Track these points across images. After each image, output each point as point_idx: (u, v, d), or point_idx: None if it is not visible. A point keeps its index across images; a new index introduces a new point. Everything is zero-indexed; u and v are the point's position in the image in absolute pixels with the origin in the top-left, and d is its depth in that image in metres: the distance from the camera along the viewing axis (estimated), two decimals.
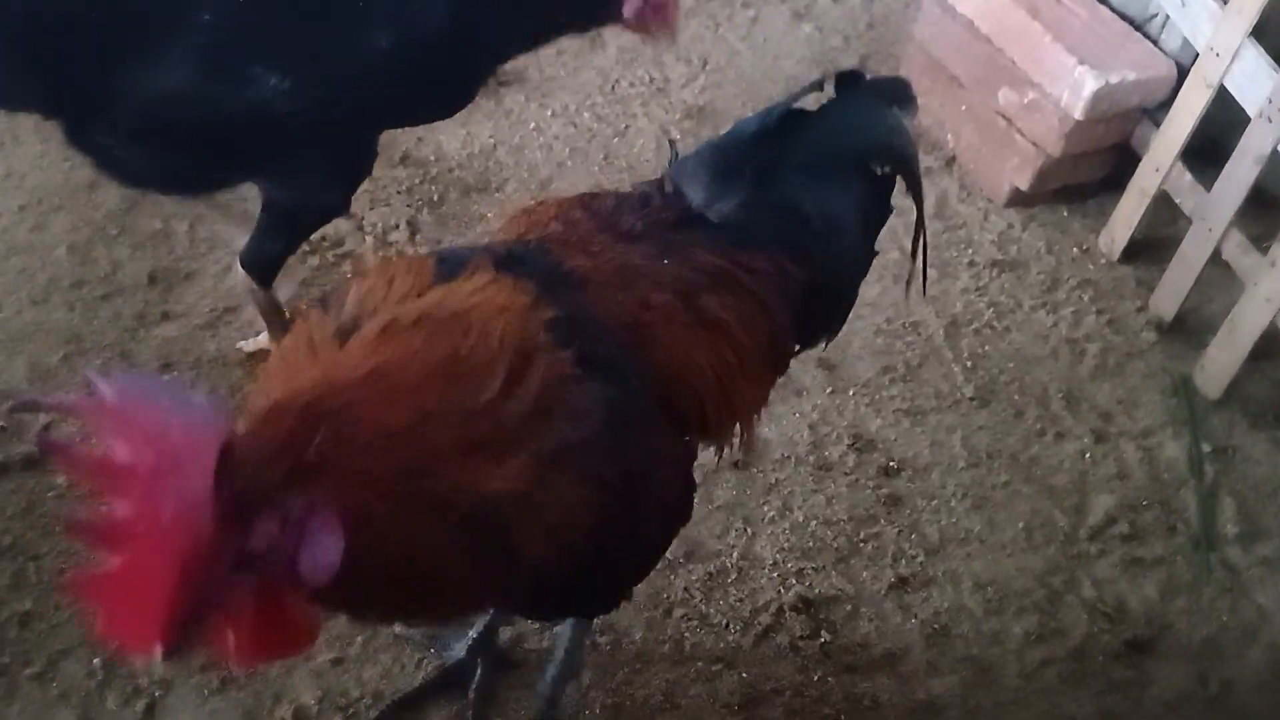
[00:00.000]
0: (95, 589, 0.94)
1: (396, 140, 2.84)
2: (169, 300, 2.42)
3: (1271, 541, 2.34)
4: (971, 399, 2.50)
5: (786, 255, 1.59)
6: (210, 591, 0.96)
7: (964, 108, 2.99)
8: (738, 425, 1.58)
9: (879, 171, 1.74)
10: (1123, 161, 2.86)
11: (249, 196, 2.20)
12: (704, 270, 1.49)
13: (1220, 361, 2.54)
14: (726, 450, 1.62)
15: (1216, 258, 2.59)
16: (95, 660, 1.90)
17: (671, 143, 1.68)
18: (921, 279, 1.84)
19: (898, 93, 1.74)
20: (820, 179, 1.63)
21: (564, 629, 1.83)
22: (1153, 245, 2.83)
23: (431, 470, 1.11)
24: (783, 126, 1.60)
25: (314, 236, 2.58)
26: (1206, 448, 2.47)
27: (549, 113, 2.99)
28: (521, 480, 1.15)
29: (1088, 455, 2.44)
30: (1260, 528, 2.36)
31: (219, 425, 0.95)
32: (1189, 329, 2.69)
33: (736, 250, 1.53)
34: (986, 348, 2.61)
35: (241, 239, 2.16)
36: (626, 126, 2.98)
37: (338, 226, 2.61)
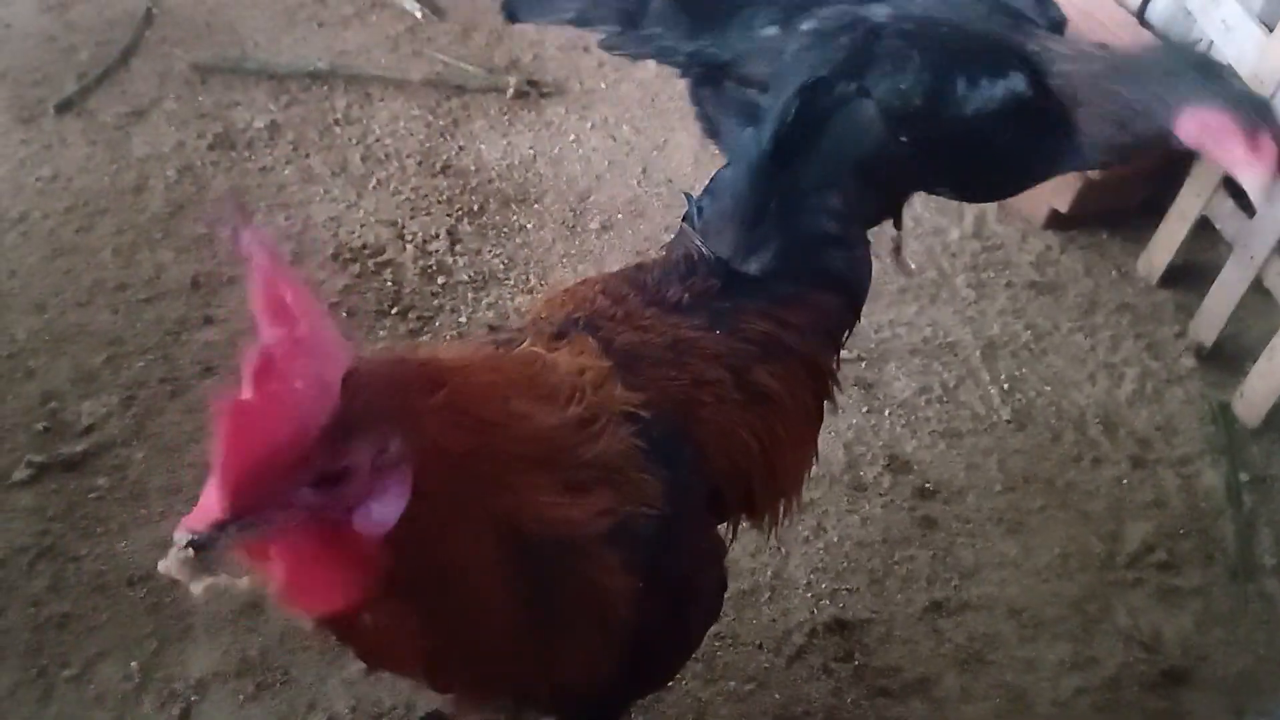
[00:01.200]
0: (218, 421, 0.94)
1: (438, 149, 2.86)
2: (211, 305, 2.44)
3: None
4: (1008, 422, 2.49)
5: (830, 291, 1.59)
6: (286, 489, 0.96)
7: None
8: (782, 499, 1.56)
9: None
10: (1163, 185, 2.84)
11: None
12: (753, 339, 1.47)
13: (1260, 389, 2.52)
14: (769, 526, 1.59)
15: (1258, 285, 2.57)
16: (133, 664, 1.91)
17: (687, 196, 1.64)
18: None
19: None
20: (837, 186, 1.59)
21: None
22: (1192, 270, 2.81)
23: (508, 478, 1.10)
24: (784, 148, 1.54)
25: (356, 244, 2.61)
26: (1245, 477, 2.45)
27: (589, 125, 3.00)
28: (587, 521, 1.13)
29: (1125, 481, 2.42)
30: None
31: (349, 348, 1.00)
32: (1228, 356, 2.67)
33: (781, 308, 1.51)
34: (1024, 370, 2.60)
35: None
36: (665, 140, 2.99)
37: (379, 234, 2.63)
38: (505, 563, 1.11)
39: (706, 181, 1.62)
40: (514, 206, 2.77)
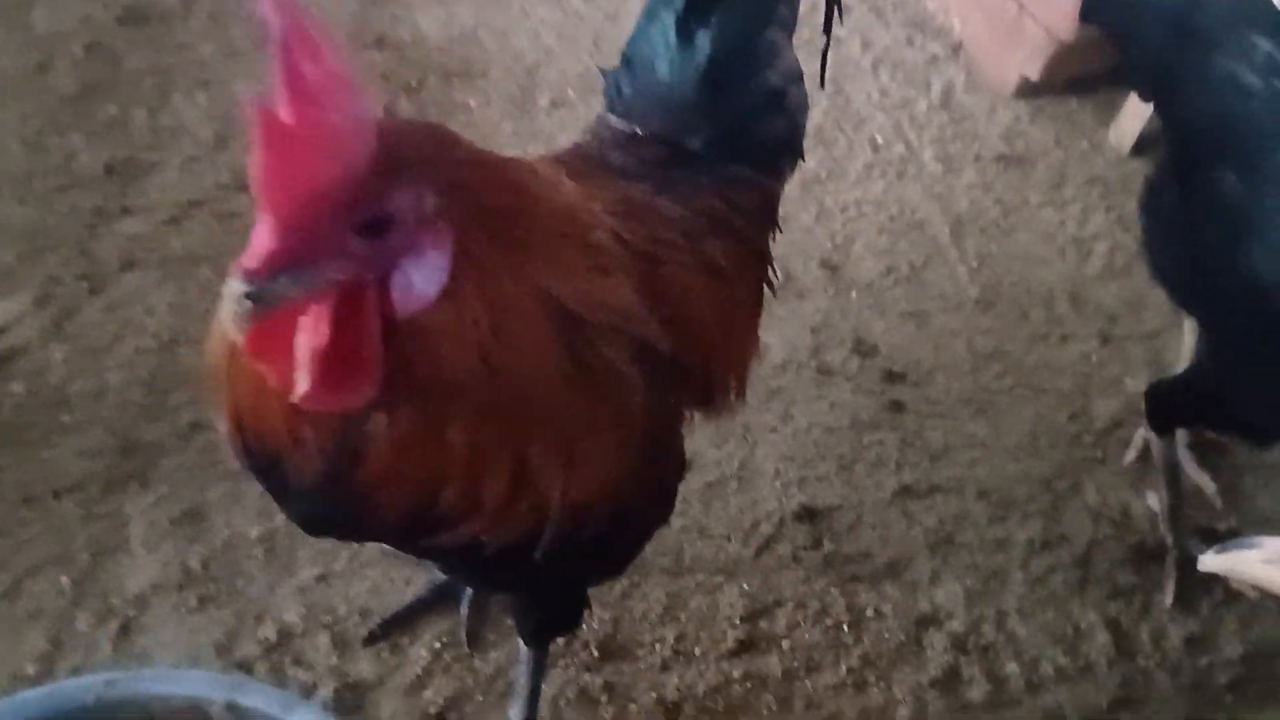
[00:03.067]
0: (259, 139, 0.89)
1: (370, 21, 2.66)
2: (129, 194, 2.27)
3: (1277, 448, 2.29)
4: (976, 301, 2.41)
5: (777, 168, 1.52)
6: (338, 231, 0.93)
7: None
8: (734, 386, 1.49)
9: None
10: None
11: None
12: (703, 212, 1.38)
13: None
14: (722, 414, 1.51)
15: None
16: (65, 579, 1.80)
17: (602, 71, 1.51)
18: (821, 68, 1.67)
19: None
20: (764, 47, 1.49)
21: (522, 665, 1.67)
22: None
23: (550, 248, 1.06)
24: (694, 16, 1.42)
25: None
26: None
27: None
28: (623, 307, 1.11)
29: (1093, 358, 2.36)
30: None
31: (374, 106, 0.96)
32: None
33: (730, 189, 1.43)
34: (992, 247, 2.51)
35: None
36: (617, 10, 2.80)
37: None
38: (553, 345, 1.05)
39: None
40: (456, 82, 2.60)
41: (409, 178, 0.96)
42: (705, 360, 1.38)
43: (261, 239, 0.91)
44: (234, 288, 0.91)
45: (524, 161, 1.19)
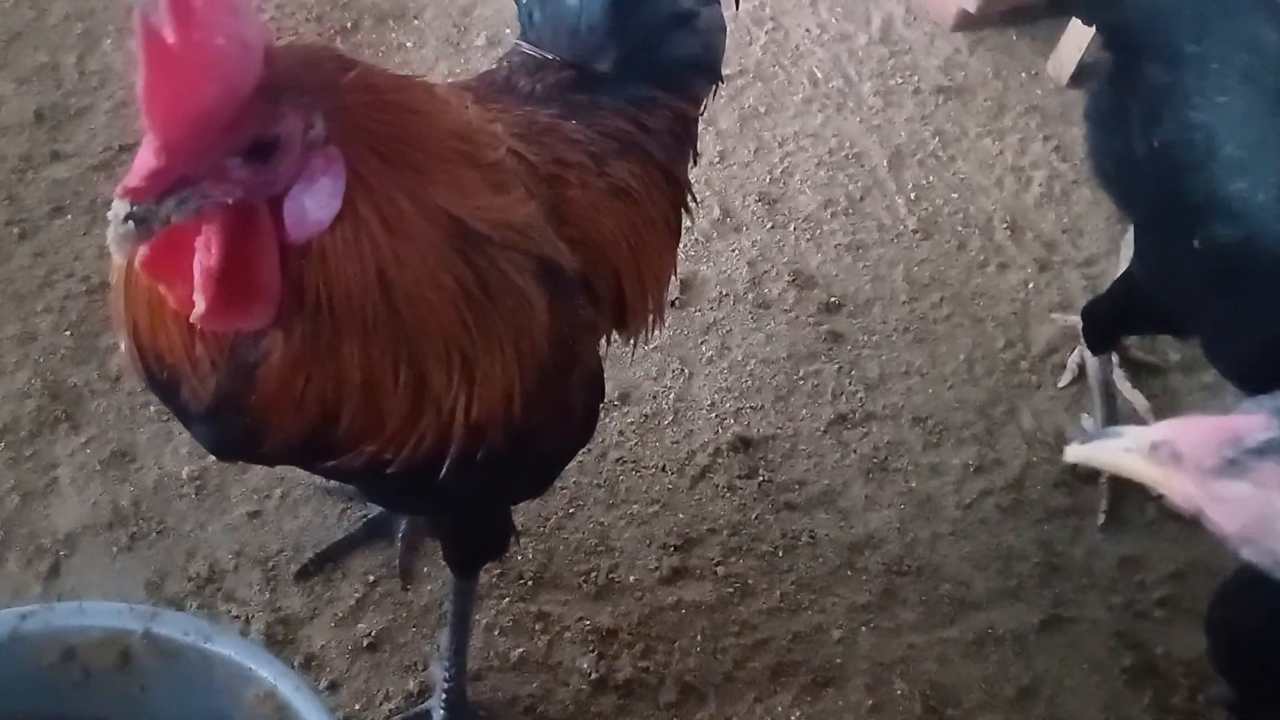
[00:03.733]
0: (143, 77, 0.89)
1: None
2: (58, 139, 2.24)
3: (1212, 368, 2.31)
4: (914, 231, 2.42)
5: (688, 88, 1.51)
6: (221, 154, 0.93)
7: None
8: (649, 307, 1.49)
9: None
10: None
11: None
12: (611, 134, 1.39)
13: None
14: (638, 336, 1.52)
15: None
16: None
17: (520, 3, 1.50)
18: None
19: None
20: None
21: (448, 602, 1.66)
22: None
23: (442, 170, 1.06)
24: None
25: None
26: None
27: None
28: (520, 222, 1.11)
29: (1031, 285, 2.37)
30: (1199, 356, 2.33)
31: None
32: None
33: (638, 109, 1.43)
34: (931, 179, 2.51)
35: None
36: None
37: None
38: (450, 263, 1.06)
39: None
40: (391, 23, 2.57)
41: (296, 102, 0.96)
42: (616, 280, 1.38)
43: (145, 159, 0.91)
44: (117, 209, 0.91)
45: (420, 83, 1.19)
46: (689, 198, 1.55)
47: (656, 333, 1.57)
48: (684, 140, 1.54)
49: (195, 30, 0.88)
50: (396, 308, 1.04)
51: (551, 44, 1.44)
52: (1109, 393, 2.12)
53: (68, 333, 2.00)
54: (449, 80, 1.44)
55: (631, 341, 1.53)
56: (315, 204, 1.00)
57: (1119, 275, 2.08)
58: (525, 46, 1.45)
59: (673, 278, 1.58)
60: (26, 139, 2.23)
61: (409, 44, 2.54)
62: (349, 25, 2.54)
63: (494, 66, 1.50)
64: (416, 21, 2.58)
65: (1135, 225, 1.88)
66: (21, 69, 2.33)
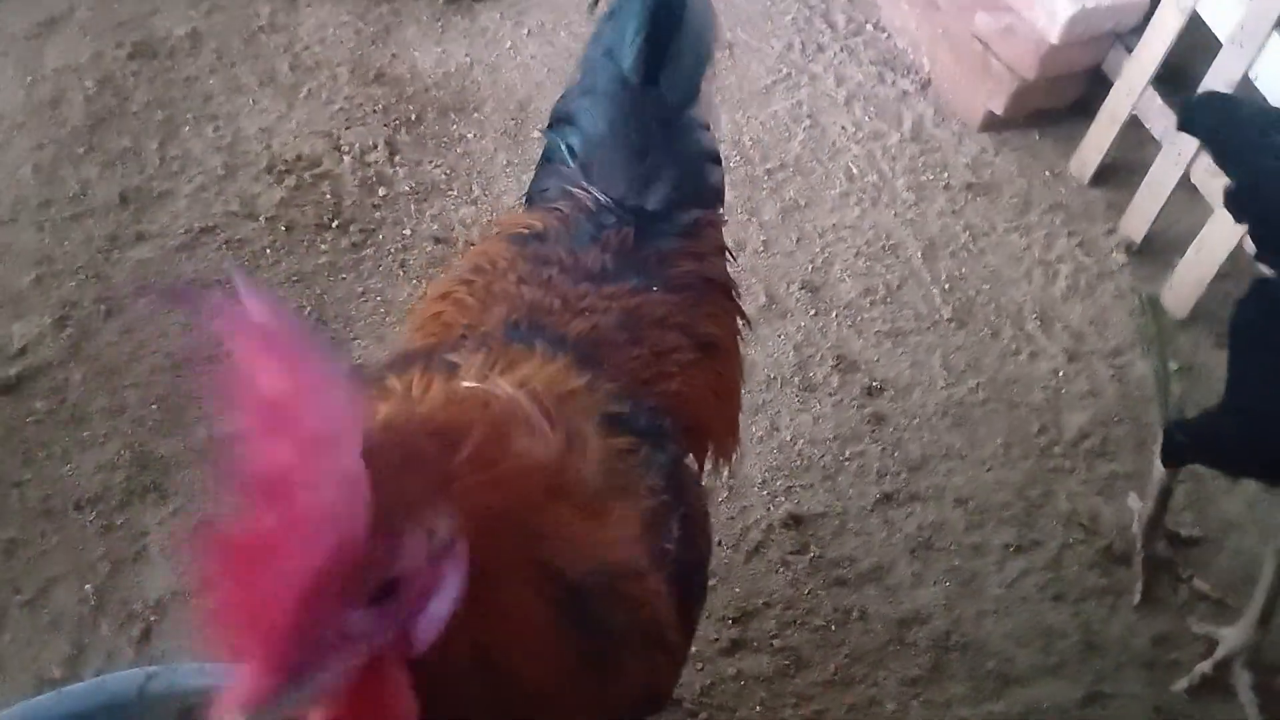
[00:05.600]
0: (217, 567, 0.72)
1: (370, 58, 2.77)
2: (142, 220, 2.36)
3: None
4: (950, 320, 2.54)
5: (716, 204, 1.55)
6: (339, 625, 0.75)
7: (940, 31, 2.99)
8: (735, 440, 1.54)
9: None
10: (1095, 86, 2.89)
11: None
12: (685, 284, 1.39)
13: (1187, 281, 2.61)
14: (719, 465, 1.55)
15: (1185, 181, 2.64)
16: (87, 587, 1.88)
17: (549, 134, 1.50)
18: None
19: None
20: (698, 87, 1.52)
21: None
22: (1123, 169, 2.87)
23: (541, 521, 0.93)
24: (649, 60, 1.42)
25: (290, 156, 2.53)
26: (1174, 365, 2.54)
27: (525, 31, 2.93)
28: (619, 540, 1.00)
29: (1061, 373, 2.50)
30: None
31: (360, 397, 0.76)
32: (1157, 250, 2.75)
33: (692, 240, 1.44)
34: (963, 270, 2.65)
35: None
36: None
37: (314, 146, 2.56)
38: (557, 615, 0.94)
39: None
40: (453, 115, 2.71)
41: (415, 518, 0.79)
42: (708, 434, 1.44)
43: (252, 670, 0.72)
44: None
45: (519, 407, 1.05)
46: (737, 296, 1.59)
47: (737, 458, 1.62)
48: (724, 248, 1.57)
49: (288, 501, 0.71)
50: (506, 674, 0.93)
51: (602, 179, 1.43)
52: (1166, 493, 2.15)
53: (154, 405, 2.09)
54: (492, 251, 1.41)
55: (713, 470, 1.56)
56: (440, 605, 0.83)
57: (1210, 413, 2.01)
58: (578, 192, 1.43)
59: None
60: (112, 220, 2.35)
61: (470, 135, 2.68)
62: (413, 118, 2.68)
63: (545, 214, 1.45)
64: (477, 114, 2.73)
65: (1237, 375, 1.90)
66: (107, 153, 2.46)
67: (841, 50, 3.07)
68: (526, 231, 1.43)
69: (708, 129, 1.54)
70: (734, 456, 1.57)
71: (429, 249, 2.42)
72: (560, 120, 1.49)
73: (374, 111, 2.66)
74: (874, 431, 2.33)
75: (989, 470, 2.31)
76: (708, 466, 1.53)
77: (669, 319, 1.36)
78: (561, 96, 1.53)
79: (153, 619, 1.85)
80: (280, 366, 0.72)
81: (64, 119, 2.48)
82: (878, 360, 2.44)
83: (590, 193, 1.42)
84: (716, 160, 1.56)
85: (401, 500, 0.78)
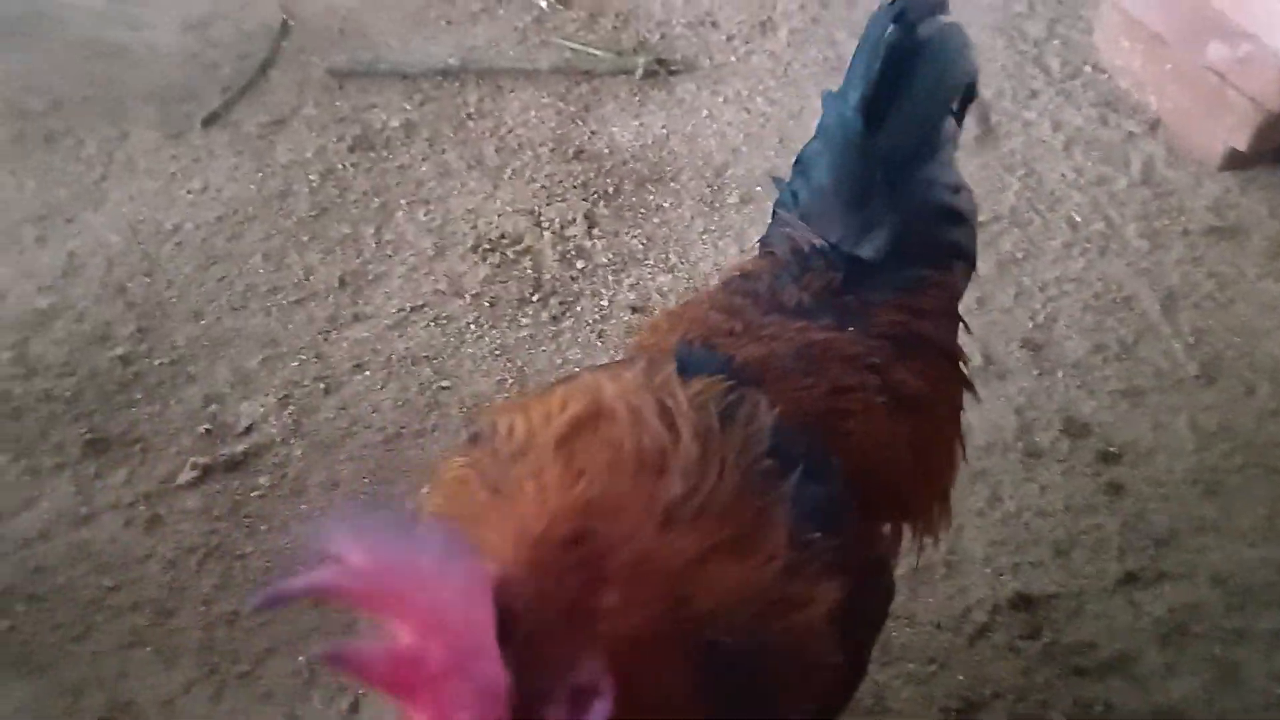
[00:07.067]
0: None
1: (570, 135, 2.82)
2: (358, 302, 2.46)
3: None
4: (1196, 377, 2.30)
5: (949, 264, 1.45)
6: None
7: (1168, 66, 2.77)
8: (937, 509, 1.43)
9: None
10: None
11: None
12: (888, 335, 1.32)
13: None
14: (923, 533, 1.44)
15: None
16: (301, 659, 1.92)
17: (775, 180, 1.49)
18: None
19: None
20: (937, 141, 1.43)
21: None
22: None
23: (689, 600, 0.90)
24: (875, 107, 1.36)
25: (494, 234, 2.59)
26: None
27: (721, 99, 2.92)
28: (760, 583, 0.95)
29: None
30: None
31: (484, 576, 0.76)
32: None
33: (910, 295, 1.37)
34: (1209, 321, 2.40)
35: None
36: (801, 108, 2.88)
37: (516, 223, 2.61)
38: (701, 684, 0.91)
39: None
40: (650, 186, 2.71)
41: (554, 676, 0.79)
42: (897, 491, 1.32)
43: None
44: None
45: (666, 512, 0.98)
46: (964, 367, 1.49)
47: (945, 531, 1.50)
48: (956, 318, 1.49)
49: (441, 692, 0.74)
50: None
51: (820, 223, 1.40)
52: None
53: (366, 479, 2.15)
54: (707, 291, 1.40)
55: (919, 541, 1.46)
56: None
57: None
58: (791, 231, 1.42)
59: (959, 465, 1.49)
60: (331, 302, 2.46)
61: (666, 204, 2.67)
62: (611, 191, 2.70)
63: (758, 258, 1.47)
64: (674, 184, 2.72)
65: None
66: (327, 240, 2.59)
67: (1057, 95, 2.90)
68: (738, 273, 1.44)
69: (954, 186, 1.45)
70: (944, 530, 1.45)
71: (626, 318, 2.41)
72: (796, 164, 1.48)
73: (574, 187, 2.70)
74: (1111, 502, 2.11)
75: (1250, 545, 2.05)
76: (907, 536, 1.41)
77: (859, 359, 1.28)
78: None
79: (362, 692, 1.87)
80: (411, 587, 0.74)
81: (291, 210, 2.64)
82: (1113, 423, 2.23)
83: (806, 237, 1.40)
84: (958, 219, 1.46)
85: (547, 664, 0.78)
